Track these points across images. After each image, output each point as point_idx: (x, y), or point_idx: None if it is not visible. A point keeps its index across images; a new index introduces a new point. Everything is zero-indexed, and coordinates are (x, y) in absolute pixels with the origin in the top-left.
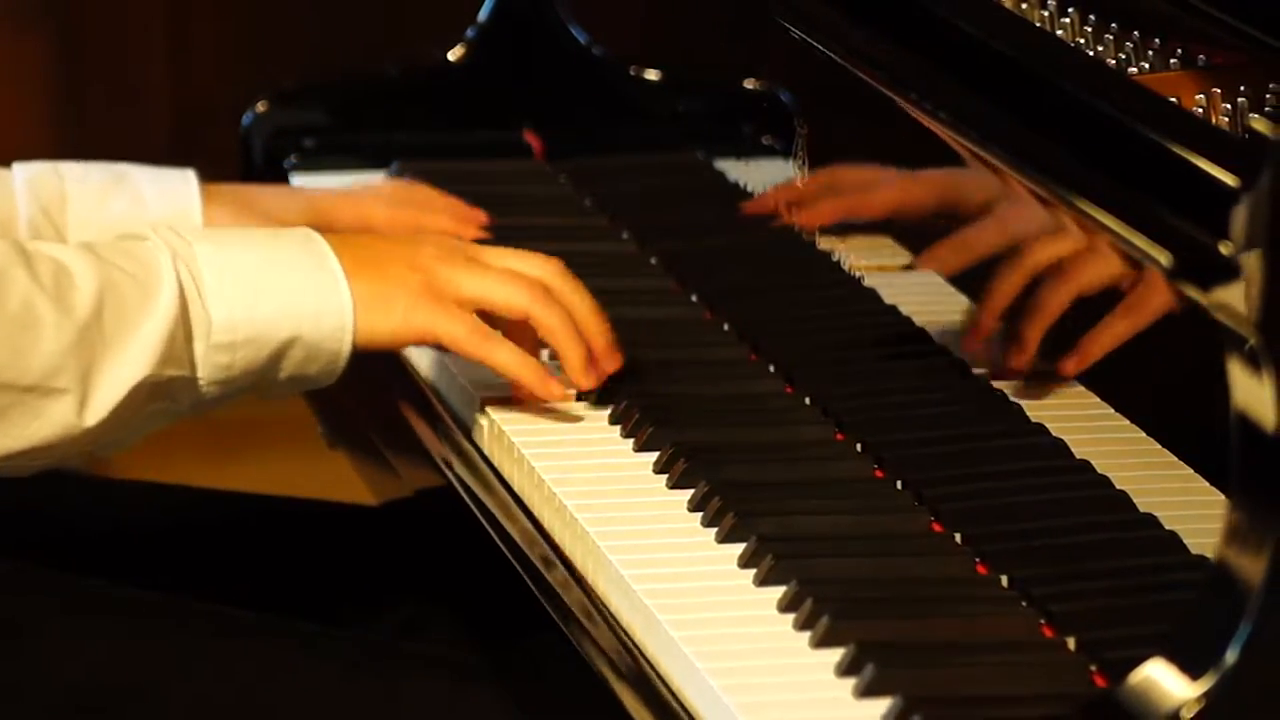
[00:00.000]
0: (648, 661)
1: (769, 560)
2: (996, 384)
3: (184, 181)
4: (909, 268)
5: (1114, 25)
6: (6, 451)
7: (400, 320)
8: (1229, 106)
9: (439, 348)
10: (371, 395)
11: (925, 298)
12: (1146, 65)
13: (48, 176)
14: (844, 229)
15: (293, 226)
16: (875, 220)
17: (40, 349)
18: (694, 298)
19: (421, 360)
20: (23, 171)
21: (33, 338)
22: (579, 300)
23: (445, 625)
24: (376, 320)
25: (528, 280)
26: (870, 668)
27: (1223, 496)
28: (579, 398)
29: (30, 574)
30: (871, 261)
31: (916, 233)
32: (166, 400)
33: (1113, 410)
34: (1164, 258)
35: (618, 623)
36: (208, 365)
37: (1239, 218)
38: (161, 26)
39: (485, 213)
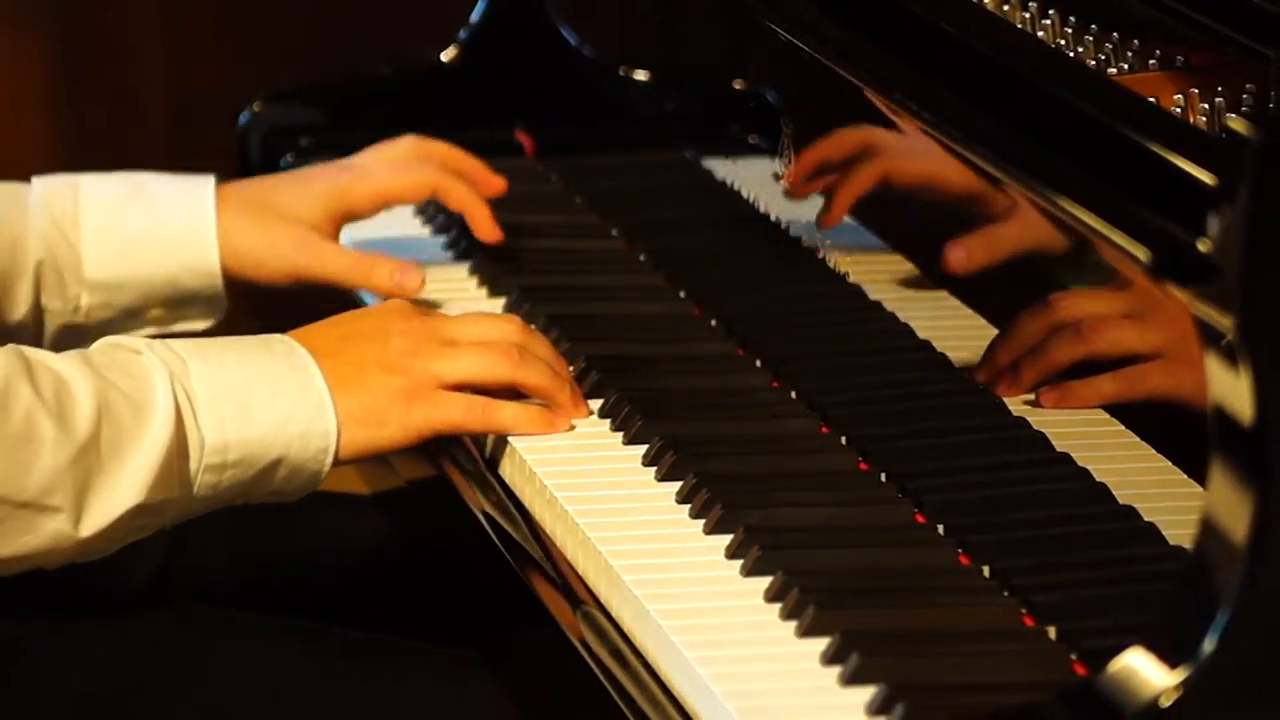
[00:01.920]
0: (636, 650)
1: (756, 551)
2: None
3: (202, 187)
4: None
5: (1094, 27)
6: (1, 556)
7: (398, 429)
8: (1206, 106)
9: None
10: None
11: (909, 293)
12: (1126, 66)
13: (63, 189)
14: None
15: (314, 221)
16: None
17: (39, 465)
18: (682, 293)
19: None
20: (40, 185)
21: (33, 453)
22: (543, 347)
23: (437, 616)
24: (371, 436)
25: (500, 348)
26: (855, 656)
27: (1200, 489)
28: None
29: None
30: (868, 266)
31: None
32: (155, 516)
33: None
34: (1143, 255)
35: (607, 612)
36: (197, 483)
37: (1216, 216)
38: (160, 27)
39: (502, 185)
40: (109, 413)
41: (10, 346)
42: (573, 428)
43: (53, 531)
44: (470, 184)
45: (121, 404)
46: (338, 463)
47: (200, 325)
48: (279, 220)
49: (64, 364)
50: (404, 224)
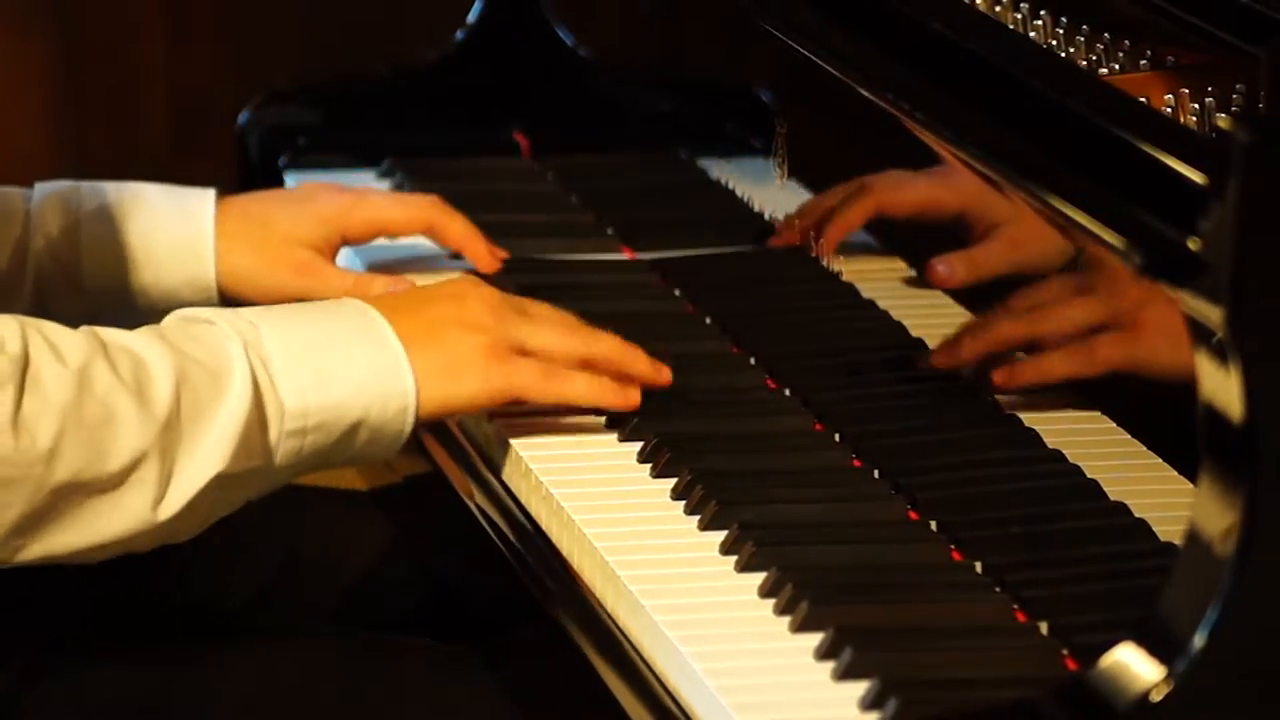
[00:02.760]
0: (632, 645)
1: (750, 547)
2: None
3: (201, 201)
4: (903, 278)
5: (1085, 27)
6: (83, 546)
7: (478, 384)
8: (1197, 106)
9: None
10: None
11: (901, 293)
12: (1117, 66)
13: (65, 196)
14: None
15: (311, 243)
16: (902, 218)
17: (120, 445)
18: (677, 292)
19: None
20: (42, 190)
21: (113, 434)
22: (610, 334)
23: (434, 611)
24: (450, 391)
25: (571, 323)
26: (848, 651)
27: (1191, 485)
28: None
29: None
30: (864, 266)
31: (919, 249)
32: (239, 489)
33: (1084, 401)
34: (1134, 254)
35: (603, 607)
36: (279, 451)
37: (1207, 214)
38: (160, 25)
39: (470, 212)
40: (187, 385)
41: (85, 328)
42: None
43: (136, 513)
44: (465, 219)
45: (199, 375)
46: (419, 421)
47: None
48: (278, 242)
49: (139, 341)
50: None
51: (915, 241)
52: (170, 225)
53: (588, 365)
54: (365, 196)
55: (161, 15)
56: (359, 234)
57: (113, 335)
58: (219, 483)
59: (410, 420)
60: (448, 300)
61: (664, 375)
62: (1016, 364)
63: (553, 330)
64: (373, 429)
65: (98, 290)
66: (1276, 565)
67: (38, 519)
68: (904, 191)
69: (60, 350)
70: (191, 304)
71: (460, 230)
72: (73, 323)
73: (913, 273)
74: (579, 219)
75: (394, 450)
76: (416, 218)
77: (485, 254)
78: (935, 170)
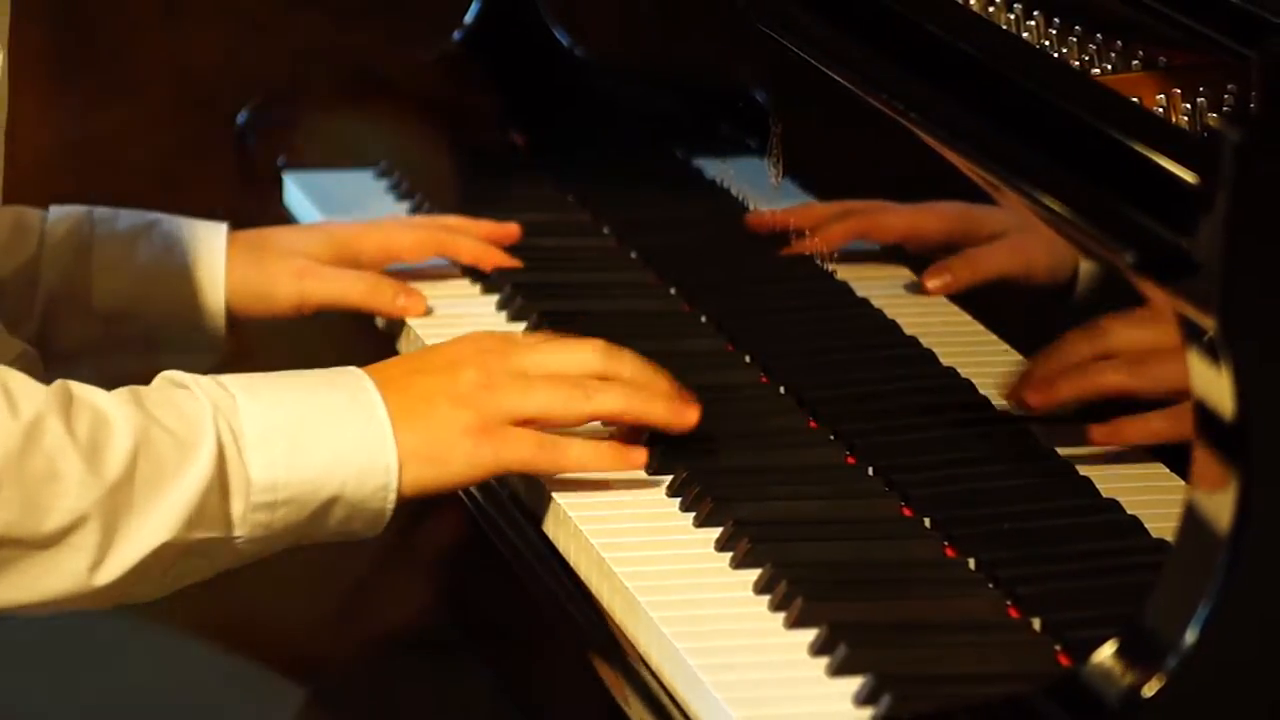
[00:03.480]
0: (627, 640)
1: (745, 543)
2: (965, 374)
3: (213, 234)
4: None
5: (1077, 28)
6: (17, 603)
7: (464, 466)
8: (1189, 106)
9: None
10: None
11: (895, 291)
12: (1109, 66)
13: (79, 219)
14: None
15: (317, 256)
16: (885, 243)
17: (60, 505)
18: (673, 291)
19: None
20: (57, 213)
21: (54, 492)
22: (630, 368)
23: (431, 604)
24: (434, 473)
25: (573, 379)
26: (842, 648)
27: (1182, 482)
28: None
29: None
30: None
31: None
32: (199, 558)
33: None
34: (1126, 253)
35: (599, 603)
36: (246, 524)
37: (1198, 214)
38: (160, 26)
39: (466, 211)
40: (148, 450)
41: (59, 382)
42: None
43: (71, 575)
44: (476, 239)
45: (164, 441)
46: (401, 499)
47: (197, 362)
48: (278, 255)
49: (109, 400)
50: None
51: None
52: (182, 251)
53: (596, 420)
54: (375, 223)
55: (160, 15)
56: (371, 259)
57: (83, 391)
58: (169, 552)
59: (391, 499)
60: (441, 372)
61: (686, 417)
62: (1119, 423)
63: (549, 395)
64: (350, 505)
65: (107, 315)
66: (1267, 562)
67: None
68: (889, 216)
69: (15, 401)
70: (197, 328)
71: (472, 248)
72: (80, 345)
73: (906, 272)
74: (575, 218)
75: (378, 526)
76: (427, 241)
77: (499, 262)
78: (920, 204)
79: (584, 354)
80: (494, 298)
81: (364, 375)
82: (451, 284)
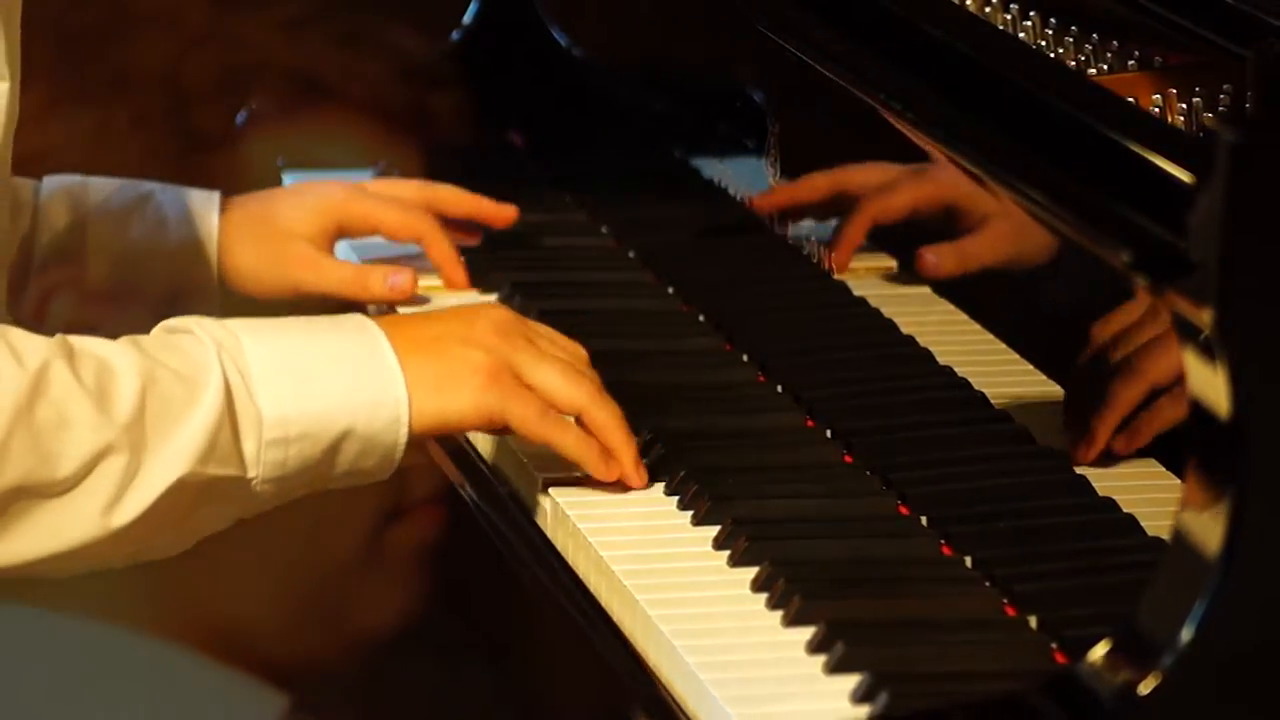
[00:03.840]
0: (624, 638)
1: (742, 542)
2: (961, 373)
3: (206, 203)
4: (895, 275)
5: (1074, 28)
6: (34, 556)
7: (469, 402)
8: (1184, 106)
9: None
10: None
11: (891, 290)
12: (1105, 67)
13: (73, 192)
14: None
15: (309, 235)
16: (895, 223)
17: (73, 450)
18: (670, 290)
19: None
20: (50, 184)
21: (67, 438)
22: (611, 408)
23: (420, 604)
24: (442, 403)
25: (583, 375)
26: (840, 646)
27: (1178, 481)
28: None
29: None
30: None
31: (899, 239)
32: (218, 502)
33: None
34: (1122, 252)
35: (595, 600)
36: (261, 463)
37: (1194, 214)
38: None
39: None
40: (154, 390)
41: (57, 336)
42: (624, 489)
43: (89, 521)
44: (450, 245)
45: (169, 381)
46: (413, 435)
47: None
48: (277, 236)
49: (109, 347)
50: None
51: (904, 237)
52: (175, 226)
53: (580, 418)
54: (364, 191)
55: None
56: (355, 226)
57: (83, 342)
58: (186, 490)
59: (404, 431)
60: (454, 318)
61: (640, 479)
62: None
63: (558, 372)
64: (363, 439)
65: (101, 287)
66: (1263, 560)
67: None
68: (895, 197)
69: (20, 352)
70: (189, 303)
71: (443, 251)
72: (75, 318)
73: (904, 271)
74: (573, 218)
75: (389, 464)
76: (410, 225)
77: (458, 276)
78: (919, 167)
79: (584, 358)
80: (493, 296)
81: (367, 319)
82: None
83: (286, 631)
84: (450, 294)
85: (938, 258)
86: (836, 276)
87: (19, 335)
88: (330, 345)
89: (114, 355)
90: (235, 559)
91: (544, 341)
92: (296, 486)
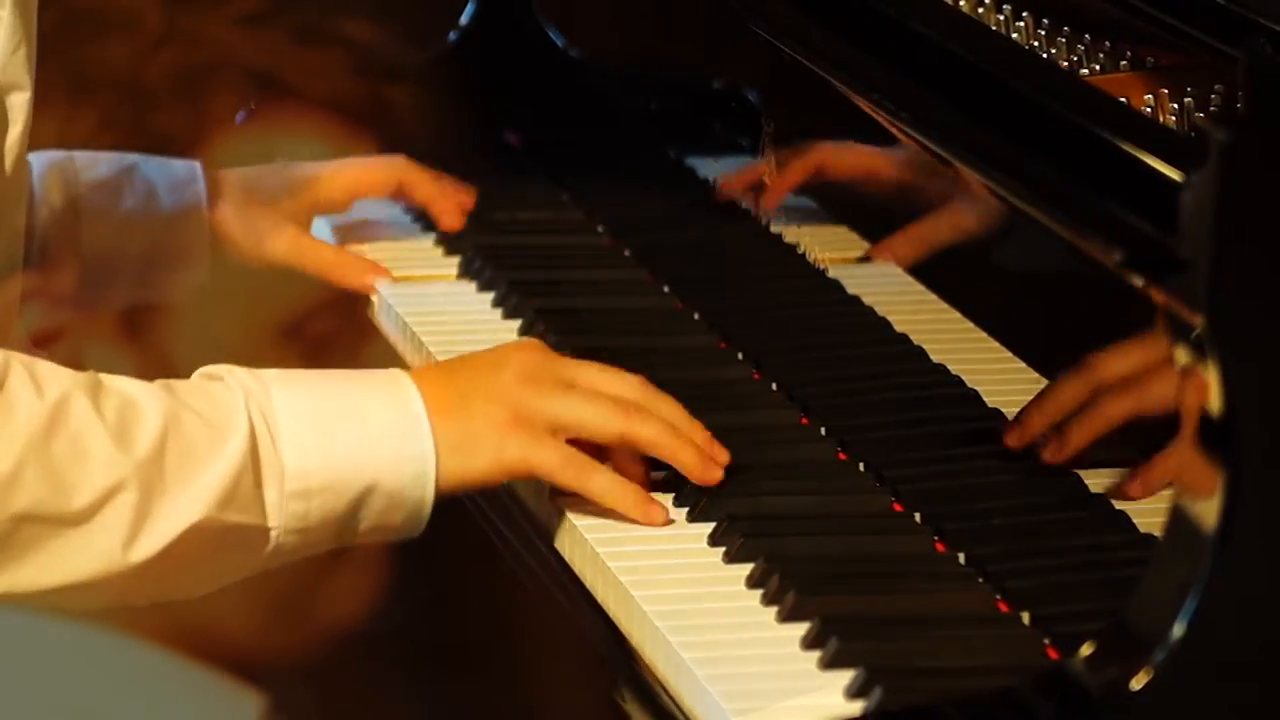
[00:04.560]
0: (621, 634)
1: (738, 538)
2: (955, 371)
3: (191, 175)
4: (865, 259)
5: (1066, 29)
6: (49, 585)
7: (492, 459)
8: (1176, 106)
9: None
10: None
11: (886, 289)
12: (1097, 67)
13: (63, 167)
14: (806, 216)
15: (290, 211)
16: (837, 183)
17: (89, 482)
18: (666, 288)
19: None
20: (39, 161)
21: (82, 470)
22: (668, 407)
23: (425, 605)
24: (466, 463)
25: (616, 401)
26: (834, 641)
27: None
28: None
29: None
30: (831, 253)
31: (876, 223)
32: (239, 551)
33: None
34: (1114, 250)
35: (593, 598)
36: (282, 514)
37: (1186, 212)
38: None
39: (471, 200)
40: (178, 432)
41: (89, 373)
42: (670, 522)
43: (105, 554)
44: (432, 178)
45: (194, 424)
46: (439, 491)
47: (178, 294)
48: (261, 210)
49: (139, 387)
50: (397, 220)
51: (898, 234)
52: (165, 194)
53: (627, 445)
54: (340, 163)
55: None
56: (337, 198)
57: (113, 380)
58: (205, 534)
59: (430, 489)
60: (482, 369)
61: (712, 473)
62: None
63: (592, 407)
64: (389, 495)
65: (96, 257)
66: (1253, 556)
67: None
68: (846, 155)
69: (41, 383)
70: (181, 266)
71: (428, 188)
72: (70, 288)
73: (896, 270)
74: (570, 217)
75: (418, 521)
76: (389, 176)
77: (452, 212)
78: (879, 147)
79: (628, 382)
80: (490, 295)
81: (401, 373)
82: (446, 281)
83: (259, 626)
84: (440, 282)
85: (896, 248)
86: (825, 270)
87: (46, 368)
88: (360, 400)
89: (141, 395)
90: None
91: (583, 376)
92: (322, 540)
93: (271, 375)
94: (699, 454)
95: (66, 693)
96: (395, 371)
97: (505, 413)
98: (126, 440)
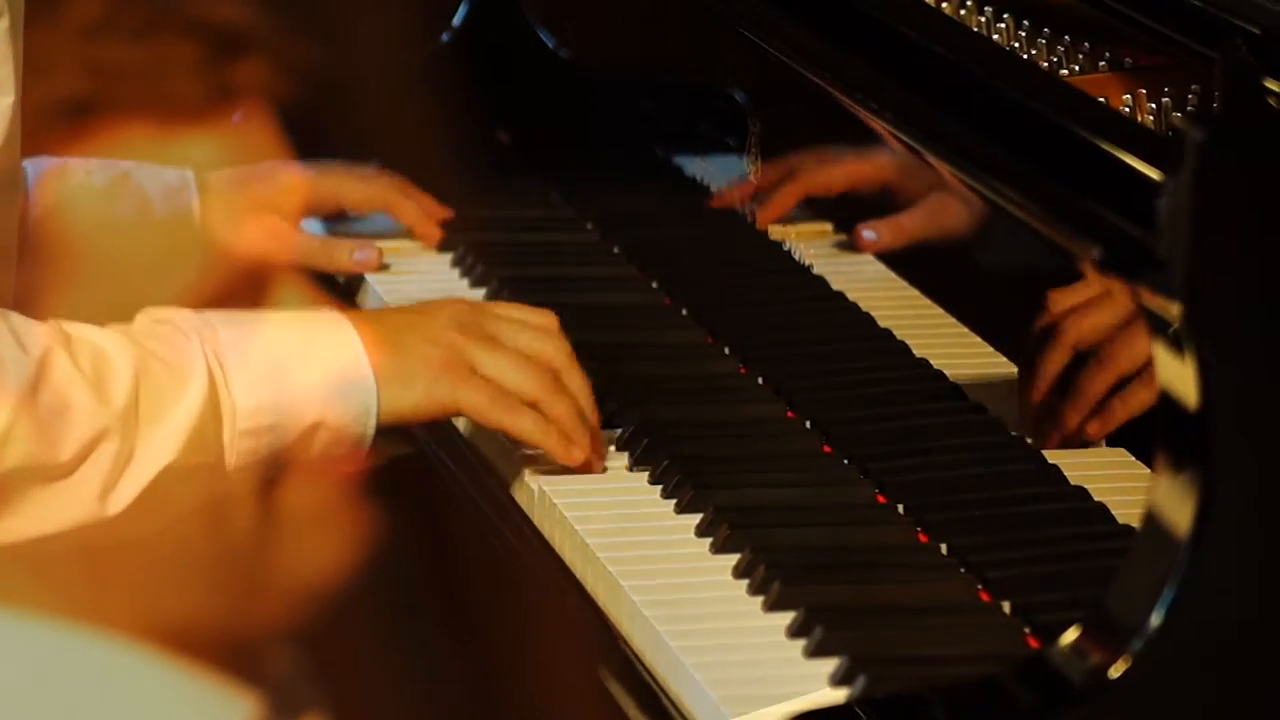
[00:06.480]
0: (610, 623)
1: (725, 529)
2: (937, 365)
3: (184, 182)
4: (847, 242)
5: (1046, 30)
6: (30, 535)
7: (422, 394)
8: (1154, 106)
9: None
10: None
11: (870, 285)
12: (1077, 68)
13: (56, 173)
14: (792, 217)
15: (279, 211)
16: (826, 195)
17: (74, 434)
18: (654, 284)
19: None
20: (33, 168)
21: (68, 424)
22: (579, 381)
23: (414, 591)
24: (399, 396)
25: (539, 367)
26: (819, 630)
27: (1148, 471)
28: None
29: None
30: (818, 250)
31: (861, 219)
32: (192, 487)
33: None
34: (1093, 248)
35: (583, 587)
36: (234, 451)
37: (1163, 210)
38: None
39: (455, 206)
40: (148, 379)
41: (51, 320)
42: (589, 467)
43: (84, 504)
44: (418, 202)
45: (160, 371)
46: (379, 423)
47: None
48: (248, 210)
49: (102, 335)
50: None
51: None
52: (160, 205)
53: (535, 407)
54: (329, 171)
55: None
56: (322, 205)
57: (77, 329)
58: (170, 477)
59: (372, 422)
60: (415, 314)
61: (598, 466)
62: (1106, 412)
63: (513, 365)
64: (334, 430)
65: (89, 263)
66: (1230, 547)
67: None
68: (834, 171)
69: (23, 339)
70: (178, 274)
71: (412, 213)
72: (63, 295)
73: (881, 266)
74: (560, 214)
75: (359, 452)
76: (375, 197)
77: (436, 235)
78: (860, 149)
79: (552, 346)
80: (482, 291)
81: (336, 312)
82: (441, 277)
83: (242, 604)
84: (420, 253)
85: (875, 234)
86: (810, 267)
87: (20, 321)
88: (303, 339)
89: (108, 344)
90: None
91: (506, 327)
92: (265, 472)
93: (217, 316)
94: (586, 452)
95: (55, 696)
96: (332, 311)
97: (439, 353)
98: (104, 391)
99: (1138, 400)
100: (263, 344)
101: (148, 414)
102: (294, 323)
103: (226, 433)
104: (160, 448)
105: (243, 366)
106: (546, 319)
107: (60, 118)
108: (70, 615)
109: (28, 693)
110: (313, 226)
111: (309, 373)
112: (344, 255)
